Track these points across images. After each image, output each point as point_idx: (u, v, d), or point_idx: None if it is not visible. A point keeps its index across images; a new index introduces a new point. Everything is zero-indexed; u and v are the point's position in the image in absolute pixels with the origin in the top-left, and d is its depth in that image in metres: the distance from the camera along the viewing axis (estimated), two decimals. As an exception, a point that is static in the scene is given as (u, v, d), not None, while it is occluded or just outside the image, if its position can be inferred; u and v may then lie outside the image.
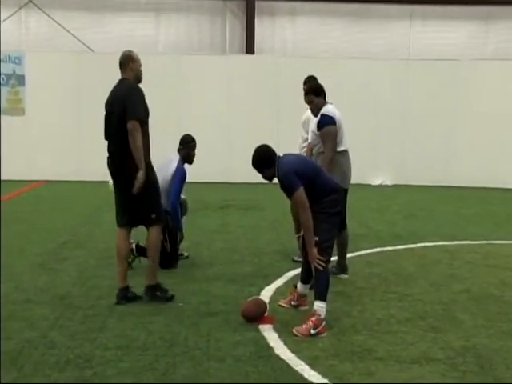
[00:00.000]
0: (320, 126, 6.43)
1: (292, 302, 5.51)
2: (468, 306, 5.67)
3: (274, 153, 5.11)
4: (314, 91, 6.54)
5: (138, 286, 6.12)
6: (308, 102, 6.60)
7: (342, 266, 6.69)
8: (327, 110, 6.49)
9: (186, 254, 7.47)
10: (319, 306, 4.90)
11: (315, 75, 7.32)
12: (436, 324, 5.11)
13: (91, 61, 17.18)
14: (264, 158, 5.08)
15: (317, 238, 4.95)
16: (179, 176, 6.90)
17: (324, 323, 4.83)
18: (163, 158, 7.20)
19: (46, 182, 15.96)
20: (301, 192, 4.91)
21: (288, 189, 4.99)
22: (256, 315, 5.08)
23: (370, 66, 17.17)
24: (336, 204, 5.12)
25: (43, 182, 15.82)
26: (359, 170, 16.03)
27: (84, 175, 16.74)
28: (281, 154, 5.16)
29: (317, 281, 5.03)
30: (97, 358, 4.23)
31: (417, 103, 17.00)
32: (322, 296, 4.94)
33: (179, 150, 7.10)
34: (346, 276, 6.67)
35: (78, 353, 4.31)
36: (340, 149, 6.53)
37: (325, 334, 4.78)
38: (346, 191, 6.26)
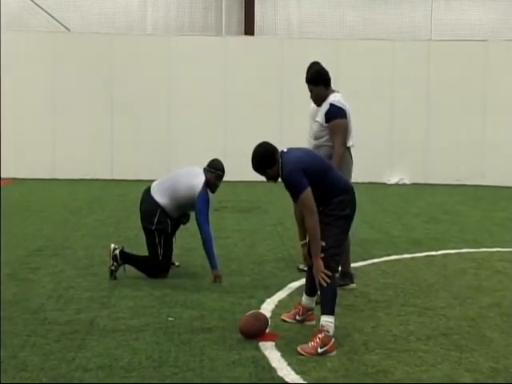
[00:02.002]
0: (329, 117, 6.47)
1: (297, 317, 5.51)
2: (498, 322, 5.67)
3: (275, 148, 5.14)
4: (311, 80, 6.60)
5: (125, 298, 6.13)
6: (309, 91, 6.66)
7: (347, 275, 6.70)
8: (336, 99, 6.51)
9: (176, 264, 7.49)
10: (327, 321, 4.90)
11: (322, 59, 7.35)
12: (461, 342, 5.10)
13: (67, 41, 17.21)
14: (265, 156, 5.09)
15: (323, 244, 4.97)
16: (206, 204, 6.92)
17: (333, 341, 4.83)
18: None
19: (14, 180, 15.97)
20: (308, 193, 4.92)
21: (293, 189, 5.00)
22: (256, 331, 5.08)
23: (387, 49, 17.20)
24: (346, 206, 5.13)
25: (10, 181, 15.82)
26: (372, 166, 16.40)
27: (60, 173, 16.77)
28: (284, 149, 5.17)
29: (322, 292, 5.03)
30: (75, 381, 4.22)
31: (441, 90, 17.00)
32: (328, 309, 4.94)
33: (205, 170, 7.11)
34: (354, 285, 6.69)
35: (53, 375, 4.30)
36: (348, 144, 6.60)
37: (334, 352, 4.79)
38: None
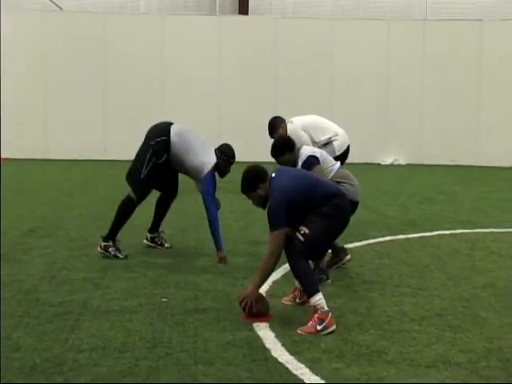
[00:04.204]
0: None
1: (297, 300, 5.52)
2: (492, 302, 5.68)
3: (265, 171, 5.25)
4: (276, 153, 6.38)
5: (118, 279, 6.12)
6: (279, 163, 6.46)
7: (337, 251, 6.70)
8: (301, 158, 6.36)
9: (167, 245, 7.47)
10: (316, 301, 4.93)
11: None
12: (455, 323, 5.12)
13: (60, 21, 17.10)
14: (255, 177, 5.21)
15: (307, 230, 5.01)
16: (213, 184, 6.92)
17: (330, 315, 4.86)
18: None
19: (6, 160, 15.91)
20: (281, 234, 4.98)
21: (270, 222, 5.04)
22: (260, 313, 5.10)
23: (382, 28, 17.15)
24: (339, 209, 5.15)
25: (3, 161, 15.76)
26: (367, 147, 16.39)
27: (52, 153, 16.72)
28: (273, 174, 5.24)
29: (299, 279, 5.10)
30: (68, 361, 4.22)
31: (436, 70, 16.99)
32: (311, 291, 4.97)
33: (216, 154, 7.01)
34: (349, 256, 6.74)
35: (46, 356, 4.30)
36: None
37: (334, 326, 4.83)
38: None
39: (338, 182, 6.28)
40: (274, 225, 5.02)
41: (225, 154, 7.03)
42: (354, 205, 6.15)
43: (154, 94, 17.07)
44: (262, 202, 5.27)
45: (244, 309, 5.06)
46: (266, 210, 5.13)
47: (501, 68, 16.86)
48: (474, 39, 16.95)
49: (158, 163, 6.98)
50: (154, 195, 7.42)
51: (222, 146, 7.13)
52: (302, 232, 5.03)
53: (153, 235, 7.49)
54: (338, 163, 6.65)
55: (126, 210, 7.02)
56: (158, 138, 6.98)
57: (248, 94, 16.92)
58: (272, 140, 7.35)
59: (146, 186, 7.04)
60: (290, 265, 5.10)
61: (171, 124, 7.15)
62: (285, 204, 5.02)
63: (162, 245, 7.45)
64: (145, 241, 7.51)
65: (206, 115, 16.80)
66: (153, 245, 7.47)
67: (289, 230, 5.06)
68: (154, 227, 7.50)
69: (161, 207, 7.46)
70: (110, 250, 6.91)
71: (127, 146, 16.48)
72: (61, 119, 16.75)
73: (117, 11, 17.95)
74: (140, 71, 16.92)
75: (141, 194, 7.02)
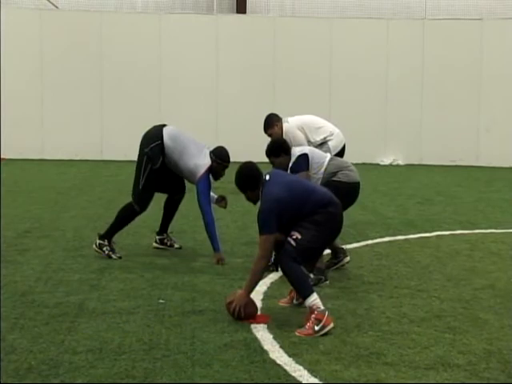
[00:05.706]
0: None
1: (294, 301, 5.53)
2: (492, 304, 5.69)
3: (259, 174, 5.26)
4: (272, 153, 6.47)
5: (115, 280, 6.11)
6: (272, 163, 6.54)
7: (336, 251, 6.71)
8: (293, 155, 6.44)
9: (176, 246, 7.50)
10: (311, 302, 4.94)
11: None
12: (455, 324, 5.12)
13: (55, 19, 17.09)
14: (248, 179, 5.28)
15: (299, 236, 5.03)
16: (207, 185, 6.95)
17: (327, 314, 4.87)
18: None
19: (2, 160, 15.89)
20: (270, 239, 5.03)
21: (261, 226, 5.08)
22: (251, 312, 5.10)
23: (381, 27, 17.16)
24: (332, 217, 5.17)
25: (4, 160, 15.76)
26: (366, 147, 16.41)
27: (48, 153, 16.70)
28: (267, 176, 5.24)
29: (291, 283, 5.09)
30: (64, 363, 4.22)
31: (435, 69, 17.01)
32: (305, 293, 4.98)
33: (211, 157, 6.98)
34: (348, 258, 6.73)
35: (41, 358, 4.29)
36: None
37: (332, 325, 4.83)
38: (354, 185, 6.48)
39: (336, 172, 6.35)
40: (264, 229, 5.06)
41: (219, 158, 7.00)
42: (357, 186, 6.47)
43: (151, 93, 17.07)
44: (252, 201, 5.40)
45: (233, 313, 5.06)
46: (257, 213, 5.14)
47: (501, 67, 16.86)
48: (473, 38, 16.96)
49: (154, 169, 6.97)
50: (162, 197, 7.45)
51: (216, 148, 7.12)
52: (294, 237, 5.05)
53: (161, 237, 7.49)
54: (328, 155, 6.69)
55: (126, 216, 7.08)
56: (152, 143, 6.96)
57: (246, 94, 16.92)
58: (266, 135, 7.38)
59: (145, 195, 7.03)
60: (282, 269, 5.11)
61: (163, 126, 7.15)
62: (277, 211, 5.05)
63: (171, 246, 7.45)
64: (154, 244, 7.51)
65: (203, 115, 16.79)
66: (162, 247, 7.47)
67: (279, 235, 5.08)
68: (163, 229, 7.50)
69: (168, 208, 7.46)
70: (104, 249, 6.94)
71: (124, 147, 16.59)
72: (57, 119, 16.74)
73: (113, 10, 17.94)
74: (137, 71, 16.91)
75: (142, 204, 7.04)
